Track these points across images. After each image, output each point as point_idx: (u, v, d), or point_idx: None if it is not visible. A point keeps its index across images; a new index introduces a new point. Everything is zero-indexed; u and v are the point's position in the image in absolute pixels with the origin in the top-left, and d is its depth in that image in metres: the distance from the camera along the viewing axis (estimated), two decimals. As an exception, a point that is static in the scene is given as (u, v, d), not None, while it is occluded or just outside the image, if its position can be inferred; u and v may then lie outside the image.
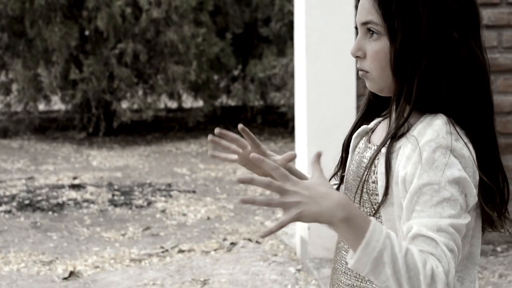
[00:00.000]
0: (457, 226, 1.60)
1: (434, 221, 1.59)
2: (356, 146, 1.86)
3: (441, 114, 1.68)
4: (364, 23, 1.73)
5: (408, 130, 1.69)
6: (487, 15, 5.13)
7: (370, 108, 1.87)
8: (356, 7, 1.77)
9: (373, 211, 1.72)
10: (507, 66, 5.20)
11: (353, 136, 1.86)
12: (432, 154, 1.62)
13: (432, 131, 1.64)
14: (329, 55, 5.16)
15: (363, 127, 1.86)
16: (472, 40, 1.70)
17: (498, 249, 5.35)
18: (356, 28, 1.78)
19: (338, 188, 1.92)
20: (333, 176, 1.93)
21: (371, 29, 1.72)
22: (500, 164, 1.74)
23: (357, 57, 1.76)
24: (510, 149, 5.13)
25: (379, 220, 1.71)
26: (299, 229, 5.53)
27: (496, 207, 1.72)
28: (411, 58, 1.68)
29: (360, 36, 1.75)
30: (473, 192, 1.64)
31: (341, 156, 1.90)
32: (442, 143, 1.63)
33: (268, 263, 5.47)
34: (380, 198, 1.70)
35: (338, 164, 1.92)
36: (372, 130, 1.85)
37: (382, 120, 1.84)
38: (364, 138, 1.84)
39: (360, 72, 1.77)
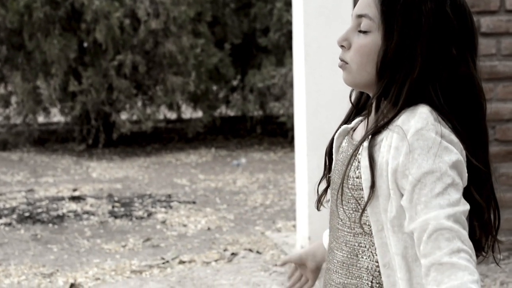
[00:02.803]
0: (465, 213, 1.63)
1: (448, 211, 1.60)
2: (339, 146, 1.87)
3: (422, 104, 1.68)
4: (360, 16, 1.74)
5: (389, 122, 1.69)
6: (485, 22, 5.13)
7: (353, 112, 1.89)
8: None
9: (358, 206, 1.72)
10: (506, 73, 5.19)
11: (335, 137, 1.87)
12: (426, 142, 1.62)
13: (421, 119, 1.64)
14: (328, 64, 5.16)
15: (344, 126, 1.87)
16: (470, 60, 1.72)
17: (500, 256, 5.34)
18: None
19: (326, 191, 1.92)
20: (321, 180, 1.93)
21: (363, 22, 1.72)
22: (490, 180, 1.75)
23: (341, 46, 1.77)
24: (510, 157, 5.13)
25: (365, 214, 1.71)
26: (300, 239, 5.52)
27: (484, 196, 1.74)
28: (403, 63, 1.69)
29: (350, 28, 1.76)
30: (466, 175, 1.67)
31: (325, 159, 1.91)
32: (433, 130, 1.63)
33: (269, 273, 5.46)
34: (366, 191, 1.69)
35: (324, 167, 1.92)
36: (354, 128, 1.85)
37: (364, 119, 1.84)
38: (347, 137, 1.85)
39: (339, 63, 1.78)
